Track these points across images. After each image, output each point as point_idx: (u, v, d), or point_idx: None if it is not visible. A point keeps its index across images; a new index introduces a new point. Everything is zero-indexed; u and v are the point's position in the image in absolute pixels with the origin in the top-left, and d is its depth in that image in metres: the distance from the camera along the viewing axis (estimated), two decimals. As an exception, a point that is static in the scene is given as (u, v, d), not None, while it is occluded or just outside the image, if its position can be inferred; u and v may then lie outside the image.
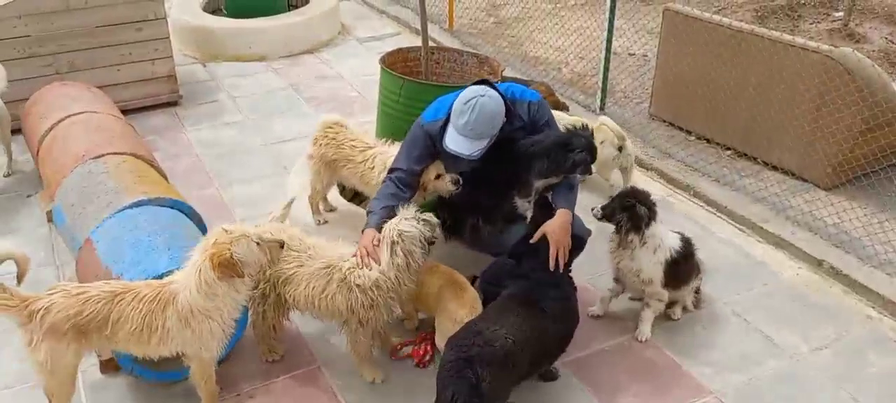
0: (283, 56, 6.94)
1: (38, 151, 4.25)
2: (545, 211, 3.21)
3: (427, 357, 3.33)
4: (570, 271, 3.19)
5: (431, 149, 3.26)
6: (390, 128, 3.81)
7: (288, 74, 6.64)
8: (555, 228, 3.11)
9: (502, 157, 3.27)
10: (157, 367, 3.14)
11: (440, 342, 3.09)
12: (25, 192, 4.74)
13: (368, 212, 3.28)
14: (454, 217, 3.45)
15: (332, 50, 7.23)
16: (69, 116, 4.23)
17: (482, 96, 3.02)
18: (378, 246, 3.02)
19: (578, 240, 3.24)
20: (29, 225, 4.40)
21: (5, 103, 4.71)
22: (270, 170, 5.10)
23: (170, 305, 2.66)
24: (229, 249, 2.63)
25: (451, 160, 3.25)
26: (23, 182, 4.84)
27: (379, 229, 3.08)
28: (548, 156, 3.19)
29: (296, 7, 7.46)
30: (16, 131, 5.13)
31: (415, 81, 3.72)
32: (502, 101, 3.10)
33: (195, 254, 2.70)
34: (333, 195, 4.13)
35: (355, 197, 4.13)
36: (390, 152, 3.54)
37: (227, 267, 2.63)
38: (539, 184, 3.37)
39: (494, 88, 3.13)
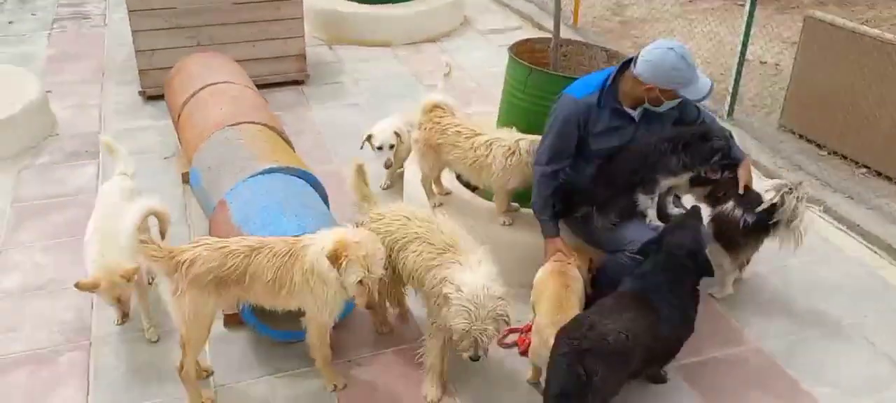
0: (405, 43, 7.08)
1: (178, 117, 4.53)
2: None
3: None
4: (697, 284, 3.09)
5: (582, 130, 3.25)
6: (513, 117, 3.82)
7: (409, 61, 6.77)
8: (745, 173, 3.45)
9: (631, 151, 3.24)
10: (278, 326, 3.30)
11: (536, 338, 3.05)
12: (163, 154, 5.06)
13: (539, 219, 3.40)
14: (567, 201, 3.43)
15: (454, 40, 7.32)
16: (209, 85, 4.49)
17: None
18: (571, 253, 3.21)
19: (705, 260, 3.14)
20: (165, 184, 4.69)
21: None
22: (388, 152, 5.23)
23: (299, 261, 2.79)
24: (346, 255, 2.70)
25: (601, 137, 3.25)
26: (162, 145, 5.18)
27: (558, 232, 3.32)
28: (687, 148, 3.14)
29: (423, -3, 7.60)
30: (158, 97, 5.53)
31: (542, 71, 3.71)
32: None
33: (330, 232, 2.80)
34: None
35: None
36: (507, 139, 3.55)
37: (334, 262, 2.72)
38: (666, 182, 3.30)
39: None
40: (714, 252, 3.46)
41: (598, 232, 3.39)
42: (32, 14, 7.55)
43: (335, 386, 3.16)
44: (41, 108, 5.22)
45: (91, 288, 3.08)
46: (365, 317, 3.51)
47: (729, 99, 5.55)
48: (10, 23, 7.32)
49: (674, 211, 3.48)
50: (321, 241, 2.78)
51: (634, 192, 3.29)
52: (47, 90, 5.53)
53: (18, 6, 7.75)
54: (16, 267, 3.92)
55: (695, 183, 3.53)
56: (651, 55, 3.07)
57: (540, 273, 3.22)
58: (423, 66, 6.66)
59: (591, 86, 3.25)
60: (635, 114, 3.27)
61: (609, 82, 3.22)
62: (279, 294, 2.86)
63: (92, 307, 3.63)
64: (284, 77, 6.06)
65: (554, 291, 3.07)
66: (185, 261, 2.78)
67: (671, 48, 3.06)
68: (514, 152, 3.51)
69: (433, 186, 3.96)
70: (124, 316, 3.29)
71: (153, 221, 3.29)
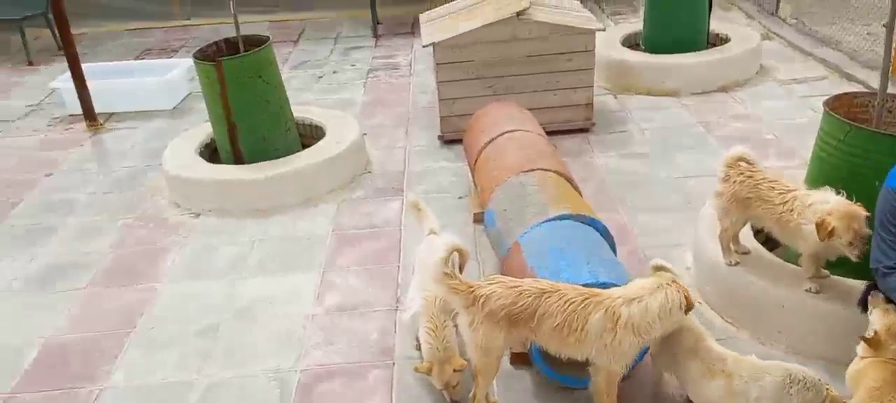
0: (695, 92, 6.88)
1: (476, 160, 4.87)
2: None
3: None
4: None
5: None
6: (826, 175, 3.53)
7: (699, 111, 6.56)
8: None
9: None
10: (563, 370, 3.38)
11: None
12: (457, 194, 5.46)
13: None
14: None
15: (748, 89, 6.95)
16: (505, 133, 4.77)
17: None
18: None
19: None
20: (458, 222, 5.04)
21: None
22: (675, 204, 5.12)
23: (596, 311, 2.86)
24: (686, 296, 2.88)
25: None
26: (456, 185, 5.59)
27: None
28: None
29: (715, 45, 7.34)
30: (455, 141, 5.99)
31: (863, 128, 3.39)
32: None
33: (651, 280, 2.95)
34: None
35: (768, 240, 3.91)
36: (813, 197, 3.30)
37: (689, 307, 2.88)
38: None
39: None
40: None
41: None
42: (352, 65, 8.63)
43: (617, 438, 3.15)
44: (359, 149, 5.94)
45: (425, 372, 3.36)
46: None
47: None
48: (334, 72, 8.44)
49: None
50: (650, 288, 2.91)
51: None
52: (364, 132, 6.26)
53: (341, 58, 8.91)
54: (335, 287, 4.47)
55: None
56: None
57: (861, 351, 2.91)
58: (714, 116, 6.42)
59: None
60: None
61: None
62: (567, 339, 2.93)
63: (395, 331, 4.02)
64: (571, 125, 6.22)
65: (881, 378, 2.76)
66: (481, 296, 2.98)
67: None
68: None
69: (730, 244, 3.79)
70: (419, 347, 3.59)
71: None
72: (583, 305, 2.87)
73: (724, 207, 3.71)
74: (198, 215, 5.39)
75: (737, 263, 3.75)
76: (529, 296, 2.95)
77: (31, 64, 9.21)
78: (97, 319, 4.30)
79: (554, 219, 3.73)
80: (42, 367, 3.94)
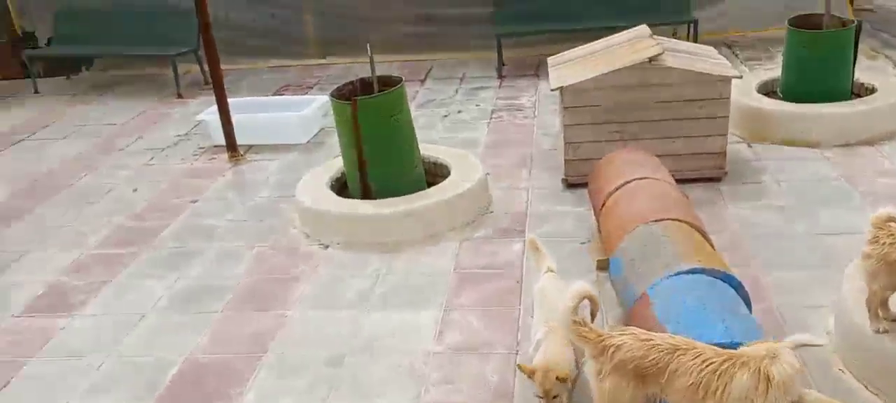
0: (837, 145, 6.51)
1: (602, 206, 4.81)
2: None
3: None
4: None
5: None
6: None
7: (841, 164, 6.20)
8: None
9: None
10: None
11: None
12: (580, 239, 5.40)
13: None
14: None
15: (897, 144, 6.51)
16: (634, 179, 4.69)
17: None
18: None
19: None
20: (580, 268, 4.97)
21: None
22: (814, 261, 4.84)
23: (741, 371, 2.74)
24: None
25: None
26: (578, 230, 5.53)
27: None
28: None
29: (859, 95, 6.93)
30: (578, 185, 5.94)
31: None
32: None
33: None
34: None
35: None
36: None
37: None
38: None
39: None
40: None
41: None
42: (476, 105, 8.77)
43: None
44: (482, 188, 6.00)
45: (528, 374, 3.38)
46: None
47: None
48: (458, 112, 8.60)
49: None
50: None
51: None
52: (487, 172, 6.33)
53: (466, 98, 9.08)
54: (455, 326, 4.52)
55: None
56: None
57: None
58: (858, 171, 6.04)
59: None
60: None
61: None
62: (703, 401, 2.82)
63: (515, 375, 4.00)
64: (700, 173, 6.03)
65: None
66: (611, 346, 2.93)
67: None
68: None
69: (879, 310, 3.53)
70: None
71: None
72: (723, 365, 2.75)
73: (872, 270, 3.47)
74: (326, 246, 5.61)
75: (886, 331, 3.49)
76: (662, 351, 2.87)
77: (180, 97, 9.94)
78: (232, 341, 4.54)
79: (685, 272, 3.61)
80: (181, 384, 4.19)
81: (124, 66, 11.39)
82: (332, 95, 5.70)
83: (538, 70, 9.81)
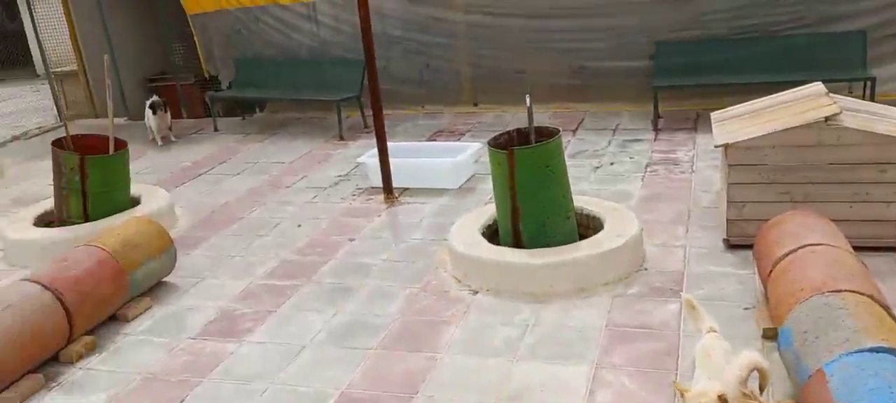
0: None
1: (770, 271, 4.54)
2: None
3: None
4: None
5: None
6: None
7: None
8: None
9: None
10: None
11: None
12: (742, 304, 5.11)
13: None
14: None
15: None
16: (808, 245, 4.40)
17: None
18: None
19: None
20: (743, 335, 4.69)
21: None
22: None
23: None
24: None
25: None
26: (741, 294, 5.24)
27: None
28: None
29: None
30: (741, 246, 5.65)
31: None
32: None
33: None
34: None
35: None
36: None
37: None
38: None
39: None
40: None
41: None
42: (630, 158, 8.61)
43: None
44: (637, 243, 5.86)
45: (681, 392, 3.31)
46: None
47: None
48: (611, 164, 8.48)
49: None
50: None
51: None
52: (641, 227, 6.17)
53: (619, 150, 8.94)
54: (607, 385, 4.40)
55: None
56: None
57: None
58: None
59: None
60: None
61: None
62: None
63: (671, 441, 3.84)
64: (880, 242, 5.56)
65: None
66: None
67: None
68: None
69: None
70: None
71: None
72: None
73: None
74: (476, 292, 5.67)
75: None
76: None
77: (342, 139, 10.51)
78: (384, 379, 4.67)
79: (868, 350, 3.33)
80: (337, 415, 4.36)
81: (293, 109, 12.25)
82: (489, 143, 5.82)
83: (696, 124, 9.52)
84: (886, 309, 3.86)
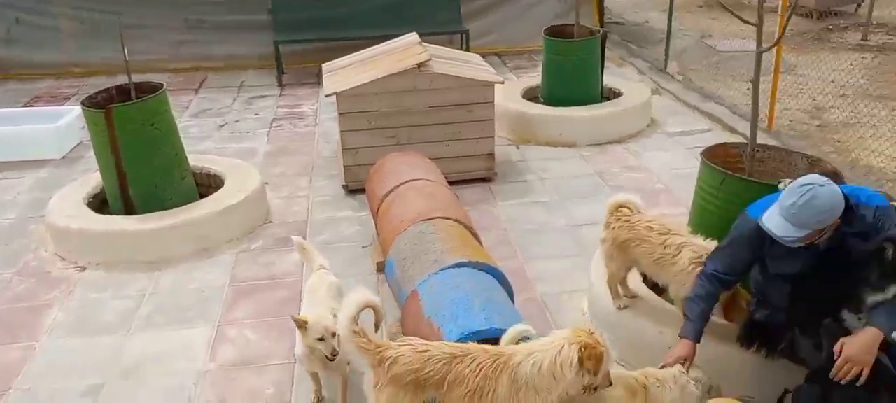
0: (591, 144, 7.15)
1: (378, 209, 4.86)
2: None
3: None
4: None
5: (758, 249, 3.12)
6: (706, 223, 3.73)
7: (595, 161, 6.82)
8: (852, 343, 2.82)
9: (833, 266, 3.01)
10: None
11: None
12: (361, 243, 5.43)
13: (685, 316, 3.24)
14: (766, 333, 3.27)
15: (640, 141, 7.28)
16: (407, 182, 4.79)
17: (821, 186, 2.83)
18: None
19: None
20: (362, 272, 5.01)
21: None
22: (571, 250, 5.26)
23: (504, 373, 2.81)
24: (603, 350, 2.76)
25: (780, 260, 3.08)
26: (360, 235, 5.56)
27: (698, 338, 3.09)
28: (884, 260, 2.87)
29: (609, 99, 7.67)
30: (359, 190, 5.97)
31: (737, 177, 3.61)
32: (841, 199, 2.88)
33: (558, 336, 2.84)
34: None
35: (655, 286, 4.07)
36: (699, 245, 3.46)
37: (594, 362, 2.75)
38: (871, 299, 3.03)
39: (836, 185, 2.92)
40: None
41: (806, 355, 3.18)
42: (256, 114, 8.52)
43: None
44: (259, 198, 5.83)
45: (300, 325, 3.37)
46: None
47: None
48: (236, 121, 8.30)
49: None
50: (549, 346, 2.82)
51: (840, 312, 3.06)
52: (265, 182, 6.16)
53: (245, 107, 8.78)
54: (230, 341, 4.33)
55: None
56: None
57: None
58: (608, 167, 6.68)
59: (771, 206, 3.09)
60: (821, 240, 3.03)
61: None
62: None
63: (292, 384, 3.91)
64: (473, 174, 6.32)
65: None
66: (389, 358, 2.88)
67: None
68: (700, 261, 3.41)
69: (619, 288, 3.91)
70: (320, 400, 3.52)
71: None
72: (493, 369, 2.81)
73: (607, 252, 3.85)
74: (83, 268, 5.14)
75: (626, 306, 3.88)
76: (439, 361, 2.85)
77: None
78: (-34, 382, 4.00)
79: (451, 267, 3.75)
80: None
81: None
82: (83, 104, 5.23)
83: (320, 77, 9.70)
84: (470, 230, 4.39)
